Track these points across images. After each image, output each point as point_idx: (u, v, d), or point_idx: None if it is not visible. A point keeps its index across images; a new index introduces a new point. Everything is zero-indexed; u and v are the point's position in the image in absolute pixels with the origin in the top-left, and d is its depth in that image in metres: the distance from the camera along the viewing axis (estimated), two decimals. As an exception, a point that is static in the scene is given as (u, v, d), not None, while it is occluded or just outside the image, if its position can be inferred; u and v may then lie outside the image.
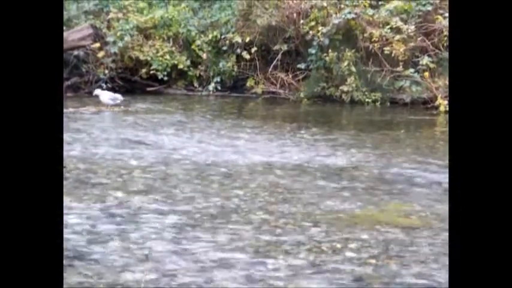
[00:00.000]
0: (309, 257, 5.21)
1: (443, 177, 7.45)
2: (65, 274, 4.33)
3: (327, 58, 13.33)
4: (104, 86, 13.02)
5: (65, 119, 10.02)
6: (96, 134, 9.92)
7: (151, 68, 13.97)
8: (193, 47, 14.25)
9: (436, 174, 7.86)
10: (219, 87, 14.23)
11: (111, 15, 14.27)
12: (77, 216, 6.01)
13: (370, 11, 13.53)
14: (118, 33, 13.87)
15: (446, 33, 12.95)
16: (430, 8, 13.61)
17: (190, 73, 14.28)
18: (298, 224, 5.99)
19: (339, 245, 5.49)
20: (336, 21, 13.40)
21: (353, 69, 13.19)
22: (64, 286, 3.76)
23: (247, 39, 13.96)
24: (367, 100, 13.23)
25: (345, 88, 13.28)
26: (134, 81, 14.18)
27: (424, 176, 7.83)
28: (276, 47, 13.90)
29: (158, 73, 13.99)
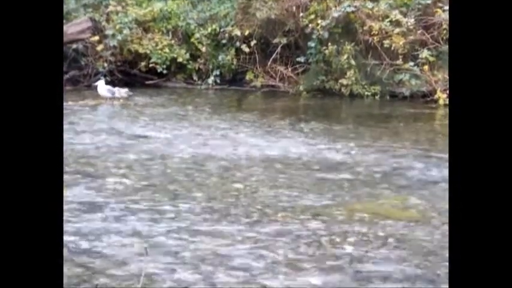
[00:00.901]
0: (308, 251, 5.21)
1: (443, 171, 7.45)
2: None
3: (327, 51, 13.31)
4: (103, 78, 12.97)
5: (63, 112, 10.02)
6: (95, 127, 9.91)
7: (151, 61, 13.95)
8: (192, 40, 14.23)
9: (436, 167, 7.86)
10: (218, 81, 14.21)
11: (110, 8, 14.24)
12: (74, 208, 6.02)
13: (370, 4, 13.50)
14: (117, 26, 13.85)
15: (445, 26, 12.93)
16: (429, 1, 13.58)
17: (189, 66, 14.26)
18: (297, 217, 5.99)
19: (338, 239, 5.49)
20: (336, 15, 13.38)
21: (352, 62, 13.17)
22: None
23: (247, 33, 13.94)
24: (366, 93, 13.22)
25: (344, 81, 13.27)
26: (133, 75, 14.17)
27: (424, 169, 7.83)
28: (276, 40, 13.88)
29: (157, 66, 13.98)
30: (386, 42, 13.12)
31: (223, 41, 14.18)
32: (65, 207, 5.84)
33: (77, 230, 5.50)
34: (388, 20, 13.31)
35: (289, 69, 13.94)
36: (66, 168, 7.19)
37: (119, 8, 14.23)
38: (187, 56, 14.17)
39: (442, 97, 12.46)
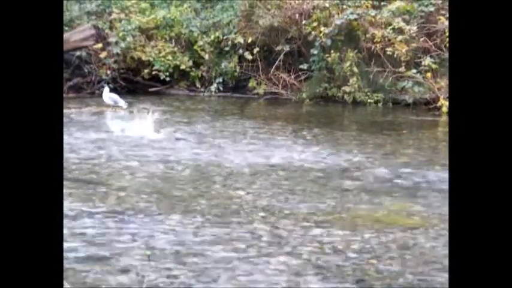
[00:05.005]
0: (311, 258, 5.21)
1: (446, 178, 7.44)
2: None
3: (329, 59, 13.31)
4: (107, 86, 12.97)
5: (66, 120, 10.04)
6: (98, 134, 9.92)
7: (154, 68, 13.97)
8: (195, 47, 14.24)
9: (438, 174, 7.86)
10: (221, 88, 14.22)
11: (114, 15, 14.27)
12: (77, 215, 6.02)
13: (373, 12, 13.50)
14: (120, 34, 13.87)
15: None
16: (432, 8, 13.59)
17: (192, 74, 14.27)
18: (300, 224, 5.99)
19: (340, 246, 5.49)
20: (338, 22, 13.39)
21: (355, 69, 13.18)
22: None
23: (250, 40, 13.95)
24: (369, 101, 13.22)
25: (347, 89, 13.27)
26: (136, 82, 14.17)
27: (426, 177, 7.83)
28: (278, 48, 13.89)
29: (160, 74, 13.99)
30: (389, 50, 13.12)
31: (226, 49, 14.19)
32: (66, 213, 5.86)
33: (79, 235, 5.50)
34: (390, 27, 13.31)
35: (292, 76, 13.95)
36: (68, 175, 7.20)
37: (122, 16, 14.25)
38: (190, 63, 14.18)
39: (445, 104, 12.44)
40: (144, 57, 13.94)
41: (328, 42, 13.38)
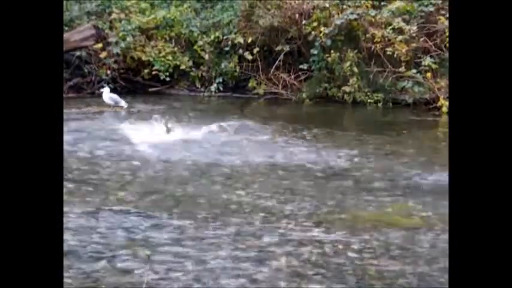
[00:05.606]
0: (311, 258, 5.22)
1: (445, 178, 7.44)
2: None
3: (329, 59, 13.31)
4: (107, 86, 12.98)
5: (66, 120, 10.04)
6: (98, 134, 9.92)
7: (154, 68, 13.96)
8: (195, 47, 14.24)
9: (438, 174, 7.86)
10: (221, 88, 14.22)
11: (114, 15, 14.26)
12: (77, 216, 6.02)
13: (373, 12, 13.50)
14: (120, 34, 13.87)
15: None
16: (432, 8, 13.59)
17: (192, 74, 14.27)
18: (300, 224, 5.99)
19: (341, 246, 5.49)
20: (338, 22, 13.39)
21: (355, 69, 13.18)
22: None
23: (250, 40, 13.95)
24: (369, 101, 13.22)
25: (347, 89, 13.27)
26: (136, 82, 14.17)
27: (426, 177, 7.83)
28: (278, 48, 13.89)
29: (160, 74, 13.99)
30: (389, 50, 13.12)
31: (226, 49, 14.19)
32: (67, 214, 5.86)
33: (79, 236, 5.51)
34: (390, 27, 13.31)
35: (292, 76, 13.94)
36: (68, 176, 7.20)
37: (122, 16, 14.25)
38: (190, 63, 14.18)
39: (445, 104, 12.44)
40: (144, 57, 13.94)
41: (328, 42, 13.38)
